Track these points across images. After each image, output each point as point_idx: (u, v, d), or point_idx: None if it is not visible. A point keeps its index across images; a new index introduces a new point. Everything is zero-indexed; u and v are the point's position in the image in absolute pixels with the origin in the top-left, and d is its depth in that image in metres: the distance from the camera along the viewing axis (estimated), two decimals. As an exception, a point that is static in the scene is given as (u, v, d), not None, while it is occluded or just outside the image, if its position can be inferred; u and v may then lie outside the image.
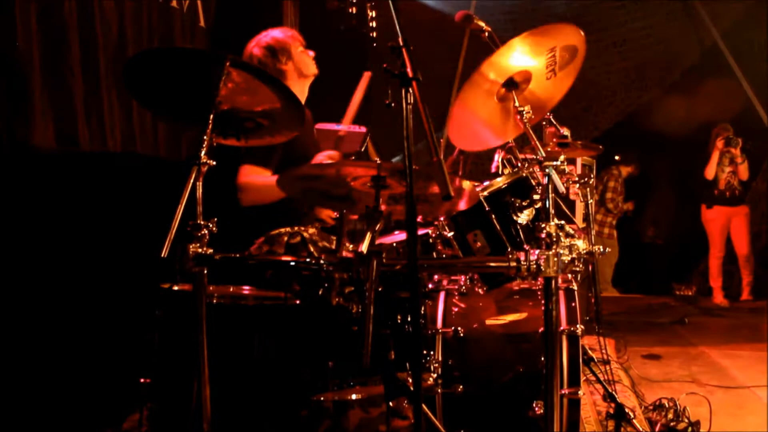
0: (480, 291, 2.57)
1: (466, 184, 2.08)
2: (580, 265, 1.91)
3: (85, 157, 2.94)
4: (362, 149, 4.00)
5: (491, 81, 2.21)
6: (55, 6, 2.77)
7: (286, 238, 2.34)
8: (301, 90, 3.10)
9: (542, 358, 2.14)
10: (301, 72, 3.10)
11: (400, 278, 1.98)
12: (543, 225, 1.85)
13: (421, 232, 2.45)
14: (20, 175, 2.64)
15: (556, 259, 1.80)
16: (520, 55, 2.16)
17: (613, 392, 2.92)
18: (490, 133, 2.44)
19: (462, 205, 2.18)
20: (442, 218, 2.36)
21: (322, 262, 1.87)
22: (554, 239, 1.83)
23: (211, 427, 1.77)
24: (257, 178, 2.83)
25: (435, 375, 2.33)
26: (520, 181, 2.33)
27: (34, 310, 2.65)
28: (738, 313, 6.53)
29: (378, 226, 1.81)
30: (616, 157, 7.68)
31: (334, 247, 2.02)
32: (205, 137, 1.86)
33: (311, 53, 3.15)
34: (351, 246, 1.92)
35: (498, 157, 3.06)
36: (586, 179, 3.25)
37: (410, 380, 1.92)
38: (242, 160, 2.83)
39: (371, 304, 1.65)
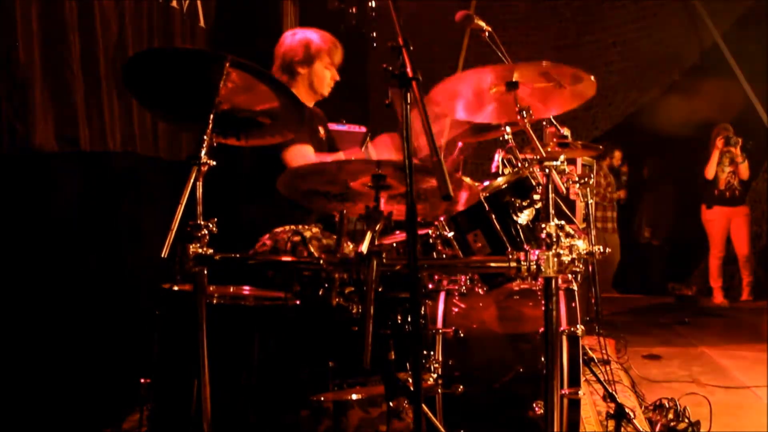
0: (480, 291, 2.56)
1: (467, 180, 2.07)
2: (581, 266, 1.90)
3: (85, 157, 2.94)
4: (362, 149, 4.00)
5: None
6: (55, 6, 2.77)
7: (287, 236, 2.34)
8: (304, 100, 3.07)
9: (542, 359, 2.14)
10: (312, 84, 3.05)
11: (400, 278, 1.98)
12: (543, 225, 1.85)
13: (421, 232, 2.45)
14: (20, 175, 2.64)
15: (556, 259, 1.80)
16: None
17: (614, 392, 2.92)
18: (470, 108, 2.39)
19: (462, 200, 2.17)
20: (442, 218, 2.36)
21: (321, 262, 1.87)
22: (554, 239, 1.83)
23: (211, 427, 1.77)
24: (309, 158, 2.80)
25: (435, 375, 2.33)
26: (520, 181, 2.33)
27: (34, 309, 2.65)
28: (738, 314, 6.53)
29: (378, 226, 1.81)
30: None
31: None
32: (205, 137, 1.86)
33: (336, 77, 3.10)
34: (351, 246, 1.92)
35: (498, 157, 3.06)
36: (586, 179, 3.25)
37: (410, 380, 1.92)
38: (287, 143, 2.80)
39: (371, 305, 1.65)
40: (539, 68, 2.09)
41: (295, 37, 3.06)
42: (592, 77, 2.13)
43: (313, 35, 3.06)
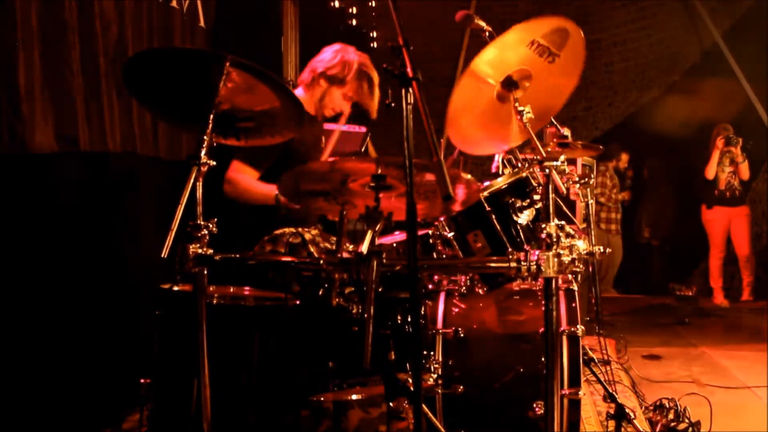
0: (480, 291, 2.56)
1: (468, 176, 2.06)
2: (581, 266, 1.90)
3: (85, 157, 2.94)
4: (362, 149, 4.00)
5: (487, 82, 2.17)
6: (55, 6, 2.76)
7: (287, 239, 2.34)
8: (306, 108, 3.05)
9: (542, 359, 2.14)
10: (321, 100, 3.04)
11: (400, 279, 1.98)
12: (543, 225, 1.85)
13: (421, 232, 2.45)
14: (20, 175, 2.64)
15: (556, 259, 1.80)
16: (501, 59, 2.12)
17: (614, 392, 2.92)
18: (491, 138, 2.39)
19: (460, 195, 2.15)
20: (442, 218, 2.36)
21: (321, 262, 1.87)
22: (554, 240, 1.82)
23: (211, 427, 1.77)
24: (244, 178, 2.84)
25: (435, 375, 2.33)
26: (521, 182, 2.33)
27: (34, 310, 2.65)
28: (738, 314, 6.53)
29: (378, 226, 1.80)
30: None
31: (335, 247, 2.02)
32: (205, 137, 1.86)
33: (344, 111, 3.09)
34: (351, 246, 1.91)
35: (498, 157, 3.06)
36: (586, 179, 3.25)
37: (410, 380, 1.92)
38: (234, 155, 2.83)
39: (371, 305, 1.65)
40: (524, 33, 2.08)
41: (346, 56, 3.01)
42: (581, 32, 2.11)
43: (355, 64, 3.00)
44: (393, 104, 1.65)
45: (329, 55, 3.04)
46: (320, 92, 3.04)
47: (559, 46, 2.14)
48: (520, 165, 2.69)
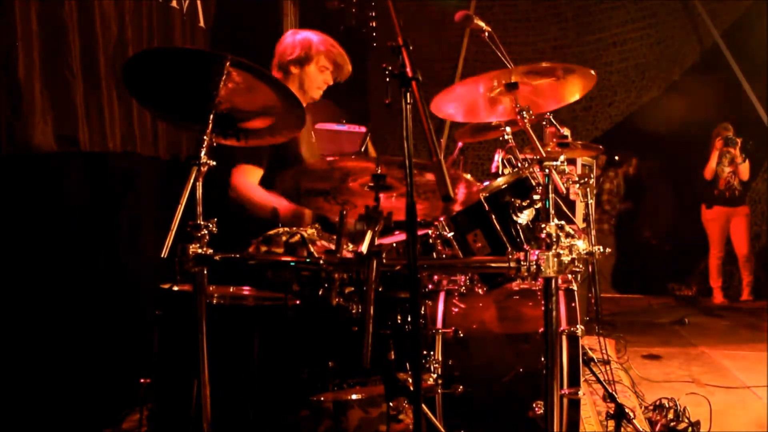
0: (480, 291, 2.56)
1: (467, 176, 2.06)
2: (580, 266, 1.90)
3: (85, 157, 2.94)
4: (362, 149, 4.00)
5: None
6: (55, 6, 2.77)
7: (285, 238, 2.34)
8: None
9: (542, 359, 2.14)
10: (302, 85, 3.05)
11: (400, 278, 1.98)
12: (543, 225, 1.85)
13: (421, 232, 2.45)
14: (20, 175, 2.64)
15: (555, 259, 1.80)
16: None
17: (614, 392, 2.92)
18: (475, 110, 2.44)
19: (460, 195, 2.16)
20: (442, 218, 2.36)
21: (321, 262, 1.87)
22: (554, 239, 1.82)
23: (211, 427, 1.77)
24: (251, 188, 2.81)
25: (435, 375, 2.33)
26: (520, 182, 2.33)
27: (34, 310, 2.65)
28: (738, 314, 6.53)
29: (378, 226, 1.80)
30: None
31: (334, 247, 2.02)
32: (205, 137, 1.86)
33: (329, 82, 3.10)
34: (351, 246, 1.91)
35: (498, 157, 3.06)
36: (586, 179, 3.25)
37: (410, 380, 1.92)
38: (237, 160, 2.82)
39: (371, 305, 1.65)
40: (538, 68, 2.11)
41: (296, 36, 3.08)
42: (593, 71, 2.15)
43: (313, 37, 3.06)
44: (392, 104, 1.65)
45: (291, 41, 3.07)
46: (297, 79, 3.05)
47: (565, 75, 2.18)
48: (520, 165, 2.70)
